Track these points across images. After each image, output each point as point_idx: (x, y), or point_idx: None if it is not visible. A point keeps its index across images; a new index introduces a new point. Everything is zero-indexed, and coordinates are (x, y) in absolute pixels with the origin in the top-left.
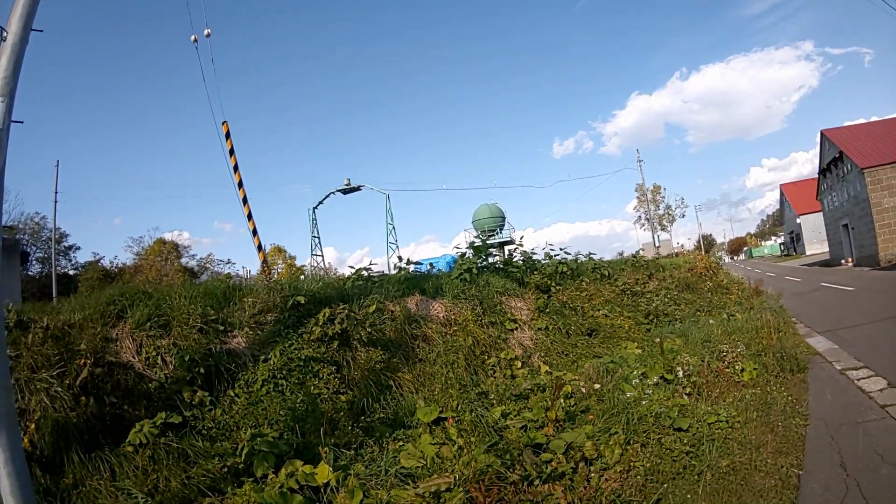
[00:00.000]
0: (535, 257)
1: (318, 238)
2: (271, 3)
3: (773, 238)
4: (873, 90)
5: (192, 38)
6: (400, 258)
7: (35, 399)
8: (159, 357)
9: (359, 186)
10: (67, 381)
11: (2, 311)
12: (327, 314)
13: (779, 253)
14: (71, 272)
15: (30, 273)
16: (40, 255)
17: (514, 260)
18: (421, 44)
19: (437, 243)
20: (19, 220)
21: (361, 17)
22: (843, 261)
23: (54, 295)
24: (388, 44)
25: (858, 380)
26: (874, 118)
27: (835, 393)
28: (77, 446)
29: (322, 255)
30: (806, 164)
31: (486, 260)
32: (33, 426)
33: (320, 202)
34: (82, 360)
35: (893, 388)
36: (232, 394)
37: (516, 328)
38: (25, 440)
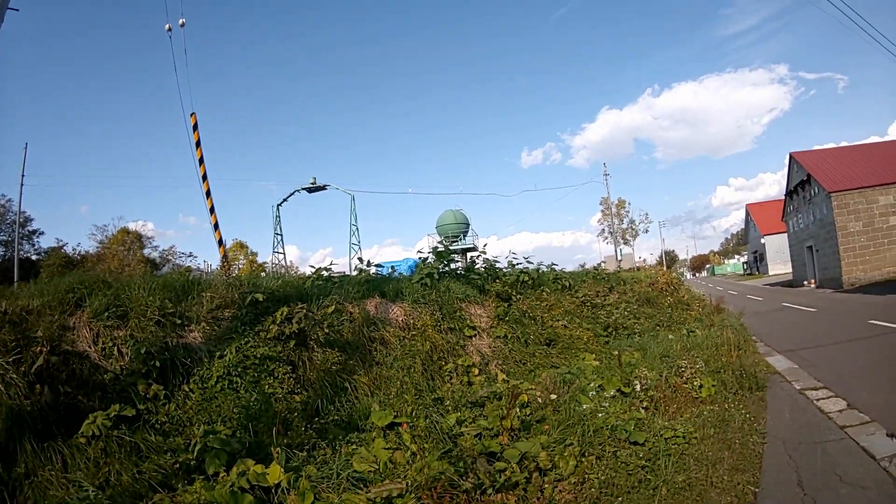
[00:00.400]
0: (497, 265)
1: (281, 235)
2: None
3: (737, 257)
4: (845, 117)
5: (167, 26)
6: (360, 260)
7: None
8: (115, 348)
9: (324, 186)
10: (23, 368)
11: None
12: (285, 313)
13: (742, 272)
14: (34, 257)
15: None
16: (3, 237)
17: (476, 267)
18: (392, 49)
19: (400, 247)
20: None
21: (336, 20)
22: (805, 282)
23: (15, 279)
24: (360, 48)
25: (818, 400)
26: (844, 143)
27: (794, 412)
28: (30, 435)
29: (284, 253)
30: (773, 185)
31: (448, 265)
32: None
33: (285, 199)
34: (38, 348)
35: (853, 410)
36: (186, 389)
37: (475, 335)
38: None
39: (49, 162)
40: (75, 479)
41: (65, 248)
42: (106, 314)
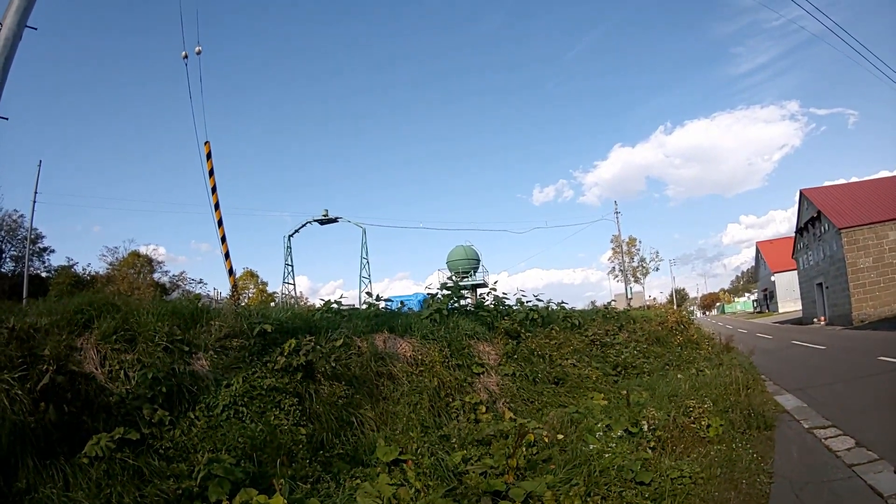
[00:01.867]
0: (506, 302)
1: (292, 266)
2: (265, 29)
3: (747, 295)
4: (855, 151)
5: (183, 54)
6: (369, 294)
7: None
8: (122, 371)
9: (336, 218)
10: (28, 385)
11: None
12: (293, 344)
13: (751, 310)
14: (43, 274)
15: (2, 270)
16: (14, 253)
17: (486, 304)
18: (405, 81)
19: (410, 281)
20: None
21: (351, 51)
22: (815, 319)
23: (24, 296)
24: (373, 82)
25: (826, 439)
26: (854, 179)
27: (801, 451)
28: (33, 452)
29: (294, 284)
30: (783, 222)
31: (457, 301)
32: None
33: (296, 230)
34: (45, 366)
35: (861, 448)
36: (192, 416)
37: (483, 372)
38: None
39: (63, 182)
40: (76, 499)
41: (75, 267)
42: (114, 337)
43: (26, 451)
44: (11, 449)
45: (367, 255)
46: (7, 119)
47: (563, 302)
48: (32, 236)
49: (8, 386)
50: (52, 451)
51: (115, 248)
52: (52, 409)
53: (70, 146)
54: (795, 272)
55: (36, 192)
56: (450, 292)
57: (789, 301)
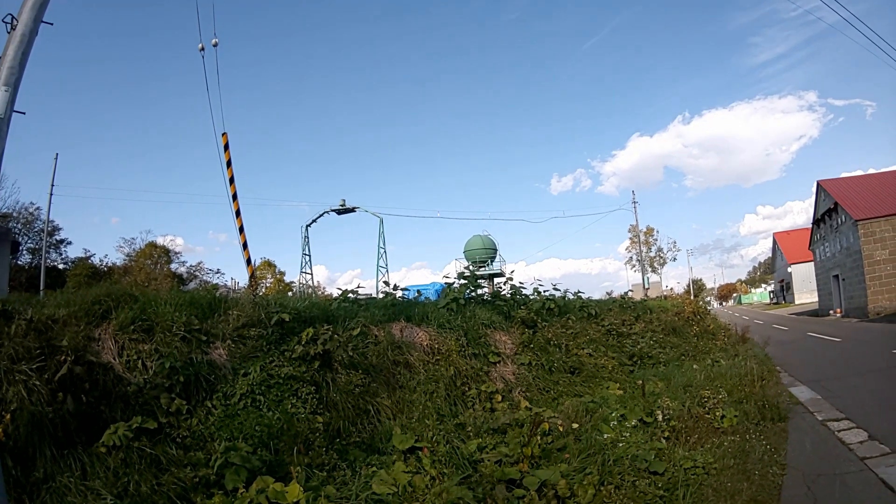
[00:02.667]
0: (523, 292)
1: (309, 256)
2: (282, 19)
3: (763, 286)
4: (872, 142)
5: (199, 46)
6: (386, 283)
7: (13, 390)
8: (140, 361)
9: (354, 208)
10: (46, 376)
11: None
12: (311, 333)
13: (768, 301)
14: (60, 266)
15: (19, 263)
16: (31, 245)
17: (503, 293)
18: (425, 74)
19: (428, 270)
20: (13, 209)
21: (369, 43)
22: (831, 311)
23: (41, 287)
24: (393, 72)
25: (839, 431)
26: (871, 170)
27: (814, 443)
28: (50, 441)
29: (311, 274)
30: (801, 213)
31: (474, 291)
32: (8, 416)
33: (314, 220)
34: (63, 357)
35: (873, 441)
36: (209, 405)
37: (499, 361)
38: (0, 430)
39: (82, 174)
40: (94, 487)
41: (92, 258)
42: (132, 327)
43: (44, 441)
44: (29, 439)
45: (384, 244)
46: (24, 113)
47: (579, 292)
48: (49, 228)
49: (26, 377)
50: (70, 441)
51: (132, 239)
52: (70, 399)
53: (89, 139)
54: (812, 264)
55: (52, 185)
56: (467, 282)
57: (806, 293)
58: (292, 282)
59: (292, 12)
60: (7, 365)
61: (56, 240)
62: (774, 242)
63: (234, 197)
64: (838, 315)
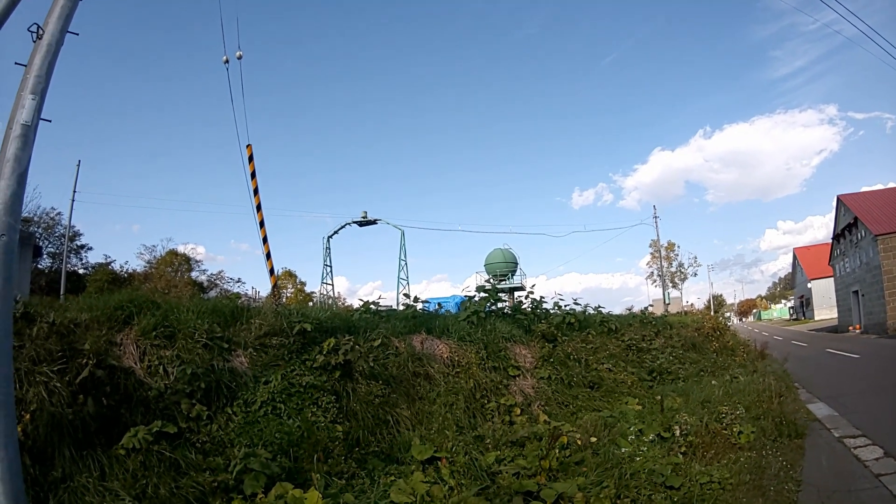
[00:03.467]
0: (544, 306)
1: (330, 267)
2: (307, 28)
3: (783, 301)
4: (893, 156)
5: (224, 58)
6: (406, 295)
7: (33, 391)
8: (161, 367)
9: (375, 220)
10: (67, 378)
11: (11, 301)
12: (332, 344)
13: (787, 317)
14: (80, 271)
15: (40, 267)
16: (52, 250)
17: (523, 307)
18: (446, 87)
19: (448, 283)
20: (35, 214)
21: (393, 58)
22: (850, 327)
23: (62, 292)
24: (415, 85)
25: (855, 448)
26: (892, 184)
27: (830, 460)
28: (70, 442)
29: (332, 285)
30: (821, 228)
31: (494, 304)
32: (28, 416)
33: (335, 231)
34: (84, 360)
35: (889, 458)
36: (230, 411)
37: (519, 375)
38: (19, 429)
39: (105, 181)
40: (112, 488)
41: (112, 264)
42: (154, 333)
43: (63, 441)
44: (48, 439)
45: (405, 256)
46: (50, 121)
47: (600, 306)
48: (70, 233)
49: (47, 378)
50: (90, 442)
51: (153, 246)
52: (90, 402)
53: (110, 145)
54: (832, 279)
55: (74, 192)
56: (487, 295)
57: (825, 308)
58: (313, 292)
59: (318, 21)
60: (28, 366)
61: (77, 245)
62: (795, 258)
63: (259, 208)
64: (857, 331)
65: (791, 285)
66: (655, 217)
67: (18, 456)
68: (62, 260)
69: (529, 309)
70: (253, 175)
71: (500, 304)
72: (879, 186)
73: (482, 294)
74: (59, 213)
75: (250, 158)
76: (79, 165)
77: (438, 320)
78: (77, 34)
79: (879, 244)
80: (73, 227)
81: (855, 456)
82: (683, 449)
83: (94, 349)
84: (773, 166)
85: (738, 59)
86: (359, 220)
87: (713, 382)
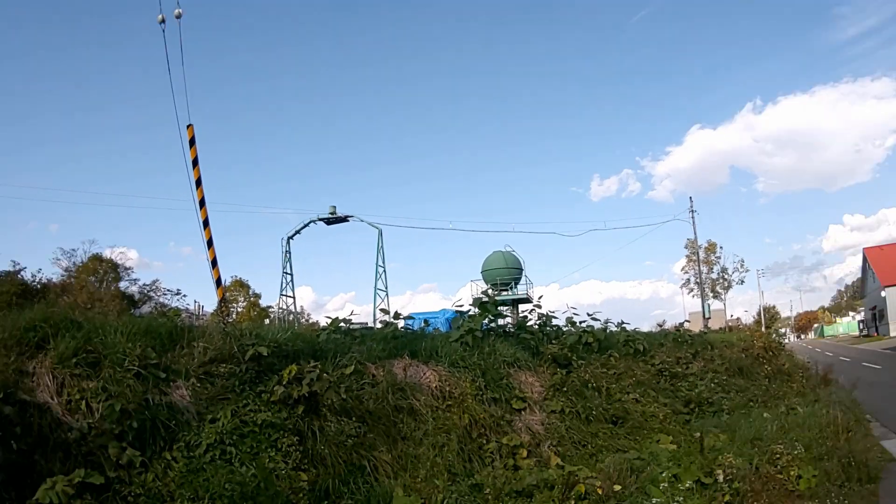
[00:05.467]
0: (555, 322)
1: (291, 275)
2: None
3: (851, 314)
4: None
5: (159, 17)
6: (384, 311)
7: None
8: (84, 402)
9: (346, 217)
10: None
11: None
12: (294, 372)
13: (856, 332)
14: None
15: None
16: None
17: (529, 324)
18: (438, 60)
19: (437, 294)
20: None
21: (371, 30)
22: None
23: None
24: (398, 61)
25: None
26: None
27: None
28: None
29: (294, 297)
30: None
31: (494, 321)
32: None
33: (297, 231)
34: None
35: None
36: (169, 457)
37: (525, 408)
38: None
39: (9, 171)
40: None
41: (22, 273)
42: (74, 360)
43: None
44: None
45: (383, 262)
46: None
47: (624, 322)
48: None
49: None
50: None
51: (73, 250)
52: None
53: (18, 129)
54: None
55: None
56: (485, 309)
57: None
58: (270, 306)
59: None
60: None
61: None
62: (865, 260)
63: (202, 203)
64: None
65: (860, 294)
66: (692, 211)
67: None
68: None
69: (537, 326)
70: (195, 162)
71: (501, 321)
72: None
73: (479, 308)
74: None
75: (191, 142)
76: None
77: (425, 341)
78: None
79: None
80: None
81: None
82: (728, 498)
83: (0, 381)
84: (838, 148)
85: (796, 16)
86: (326, 216)
87: (765, 415)
